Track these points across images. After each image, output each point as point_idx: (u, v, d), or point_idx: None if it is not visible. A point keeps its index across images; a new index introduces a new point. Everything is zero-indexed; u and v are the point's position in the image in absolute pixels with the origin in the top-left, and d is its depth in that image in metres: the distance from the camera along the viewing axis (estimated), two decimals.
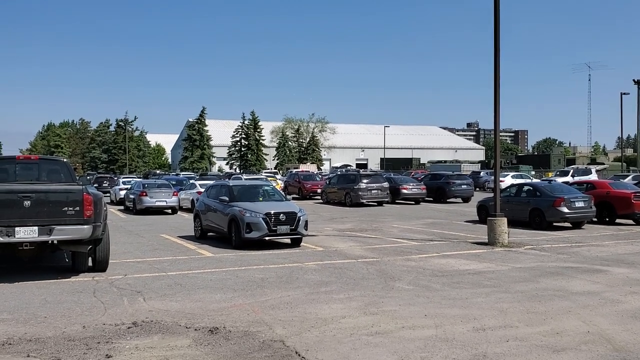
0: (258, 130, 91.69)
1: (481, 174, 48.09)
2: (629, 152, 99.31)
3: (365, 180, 30.46)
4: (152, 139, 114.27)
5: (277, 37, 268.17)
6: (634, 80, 55.08)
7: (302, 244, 15.10)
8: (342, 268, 11.62)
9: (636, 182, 26.54)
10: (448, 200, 33.07)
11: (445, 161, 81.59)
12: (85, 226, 9.98)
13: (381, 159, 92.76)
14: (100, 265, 11.10)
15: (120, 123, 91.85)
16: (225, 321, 7.54)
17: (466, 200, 32.69)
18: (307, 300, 8.72)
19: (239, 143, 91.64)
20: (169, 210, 26.92)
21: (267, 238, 14.30)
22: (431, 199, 33.32)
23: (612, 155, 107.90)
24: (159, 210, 26.62)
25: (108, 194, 37.50)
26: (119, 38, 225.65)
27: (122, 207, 29.96)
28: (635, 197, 19.84)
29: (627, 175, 39.38)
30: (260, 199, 15.78)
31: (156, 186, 27.49)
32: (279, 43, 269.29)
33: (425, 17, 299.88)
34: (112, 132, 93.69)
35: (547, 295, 9.11)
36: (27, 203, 9.68)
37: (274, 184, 33.50)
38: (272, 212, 14.35)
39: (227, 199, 15.29)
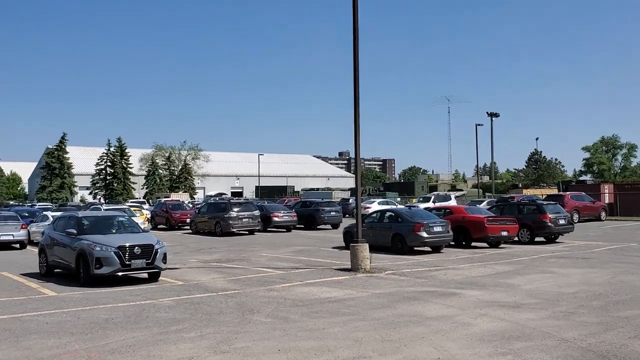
0: (125, 157, 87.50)
1: (350, 200, 49.25)
2: (486, 179, 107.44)
3: (235, 209, 29.87)
4: (7, 167, 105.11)
5: (146, 62, 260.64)
6: (487, 112, 59.82)
7: (160, 278, 14.19)
8: (200, 303, 10.96)
9: (490, 207, 28.39)
10: (318, 227, 33.35)
11: (317, 189, 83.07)
12: None
13: (256, 187, 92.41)
14: None
15: None
16: None
17: (335, 226, 33.15)
18: (154, 342, 8.00)
19: (103, 171, 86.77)
20: (17, 245, 24.44)
21: (120, 273, 13.23)
22: (302, 226, 33.42)
23: (471, 182, 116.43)
24: (5, 245, 24.06)
25: None
26: None
27: None
28: (488, 221, 21.10)
29: (483, 201, 42.33)
30: (114, 231, 14.65)
31: (2, 218, 24.88)
32: (148, 68, 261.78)
33: (296, 45, 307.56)
34: None
35: (403, 321, 9.13)
36: None
37: (139, 214, 31.92)
38: (127, 245, 13.35)
39: (75, 231, 14.01)
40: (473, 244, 21.55)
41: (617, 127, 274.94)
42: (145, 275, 14.21)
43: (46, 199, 76.96)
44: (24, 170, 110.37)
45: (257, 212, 30.35)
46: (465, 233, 21.38)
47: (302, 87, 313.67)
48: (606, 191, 42.68)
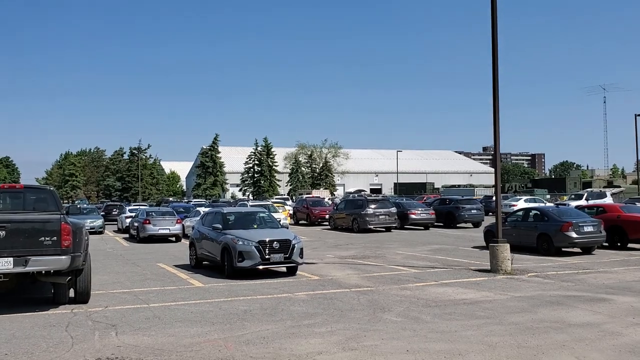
0: (271, 156, 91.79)
1: (493, 198, 47.22)
2: None
3: (372, 206, 30.02)
4: (167, 166, 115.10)
5: (289, 63, 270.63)
6: None
7: (298, 272, 14.66)
8: (332, 298, 11.15)
9: None
10: (458, 225, 32.46)
11: (459, 185, 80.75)
12: (63, 257, 9.67)
13: (395, 183, 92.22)
14: (81, 297, 10.77)
15: (134, 151, 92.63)
16: (192, 358, 7.13)
17: (476, 225, 32.05)
18: (286, 335, 8.27)
19: (251, 169, 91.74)
20: (173, 238, 26.66)
21: (260, 267, 13.89)
22: (441, 224, 32.75)
23: (631, 178, 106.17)
24: (163, 238, 26.39)
25: (115, 222, 37.53)
26: (132, 67, 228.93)
27: (127, 236, 29.79)
28: None
29: None
30: (255, 226, 15.41)
31: (160, 214, 27.31)
32: (291, 69, 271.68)
33: (437, 42, 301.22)
34: (126, 160, 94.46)
35: (543, 327, 8.56)
36: (2, 233, 9.42)
37: (281, 210, 33.29)
38: (266, 239, 13.96)
39: (220, 226, 14.95)
40: (630, 245, 19.65)
41: None
42: (284, 270, 14.77)
43: (201, 195, 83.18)
44: (182, 169, 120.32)
45: (393, 209, 30.24)
46: (620, 233, 19.57)
47: (445, 81, 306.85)
48: None
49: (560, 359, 6.97)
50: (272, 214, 23.38)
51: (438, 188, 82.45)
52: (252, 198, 75.17)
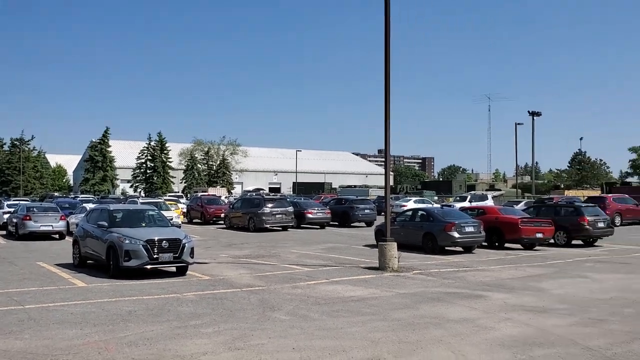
0: (165, 152, 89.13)
1: None
2: (528, 179, 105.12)
3: (269, 205, 29.98)
4: (53, 159, 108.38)
5: (187, 58, 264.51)
6: (528, 111, 58.45)
7: (188, 272, 14.34)
8: (222, 298, 11.02)
9: (526, 208, 27.73)
10: (352, 224, 33.24)
11: (355, 186, 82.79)
12: None
13: (293, 183, 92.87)
14: None
15: (15, 142, 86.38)
16: None
17: (369, 224, 32.95)
18: (171, 336, 8.07)
19: (144, 165, 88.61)
20: (56, 236, 25.15)
21: (148, 267, 13.44)
22: (337, 223, 33.37)
23: (512, 182, 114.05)
24: (45, 236, 24.80)
25: None
26: (16, 51, 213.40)
27: (4, 233, 27.70)
28: (522, 222, 20.60)
29: (520, 202, 41.42)
30: (143, 224, 14.88)
31: (42, 210, 25.67)
32: (189, 64, 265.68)
33: (338, 45, 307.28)
34: (6, 151, 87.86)
35: (423, 323, 8.97)
36: None
37: (174, 208, 32.43)
38: (155, 238, 13.52)
39: (106, 224, 14.30)
40: (506, 245, 21.09)
41: None
42: (174, 269, 14.40)
43: (89, 191, 79.12)
44: (70, 162, 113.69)
45: (290, 209, 30.42)
46: (498, 234, 20.94)
47: (342, 84, 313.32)
48: None
49: (437, 353, 7.34)
50: (163, 212, 22.75)
51: (335, 188, 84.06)
52: (143, 195, 72.52)
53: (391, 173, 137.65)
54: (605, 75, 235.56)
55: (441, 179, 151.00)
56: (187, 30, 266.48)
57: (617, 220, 32.42)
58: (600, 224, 22.29)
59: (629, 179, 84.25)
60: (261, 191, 68.76)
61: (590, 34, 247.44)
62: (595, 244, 22.57)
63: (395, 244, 15.19)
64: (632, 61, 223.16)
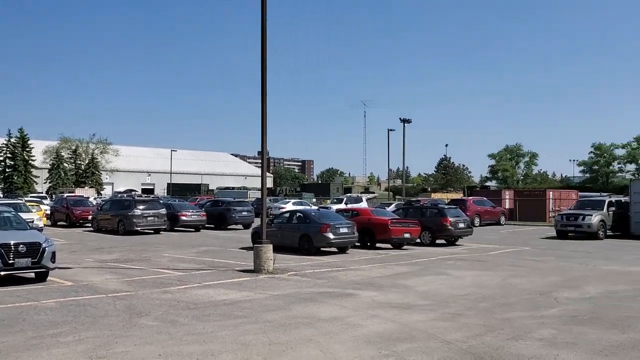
0: (27, 149, 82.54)
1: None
2: (400, 182, 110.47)
3: (140, 207, 28.81)
4: None
5: (52, 47, 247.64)
6: (400, 118, 61.50)
7: (49, 278, 13.37)
8: (85, 305, 10.39)
9: (396, 210, 29.10)
10: (229, 227, 32.88)
11: (233, 188, 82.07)
12: None
13: (168, 184, 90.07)
14: None
15: None
16: None
17: (247, 226, 32.79)
18: (25, 347, 7.46)
19: (2, 163, 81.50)
20: None
21: (2, 273, 12.34)
22: (212, 225, 32.83)
23: (385, 185, 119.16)
24: None
25: None
26: None
27: None
28: (392, 223, 21.59)
29: (392, 204, 43.38)
30: None
31: None
32: (55, 55, 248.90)
33: (215, 39, 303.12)
34: None
35: (294, 323, 9.07)
36: None
37: (36, 210, 30.12)
38: (10, 242, 12.46)
39: None
40: (377, 245, 21.98)
41: (521, 137, 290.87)
42: (32, 275, 13.36)
43: None
44: None
45: (163, 211, 29.47)
46: (370, 234, 21.77)
47: (222, 85, 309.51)
48: (507, 197, 44.90)
49: (307, 352, 7.45)
50: (23, 213, 21.06)
51: (212, 190, 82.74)
52: (1, 196, 66.68)
53: (271, 175, 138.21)
54: (468, 85, 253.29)
55: (320, 182, 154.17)
56: (50, 21, 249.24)
57: (477, 221, 35.00)
58: (461, 225, 23.93)
59: (488, 183, 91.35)
60: (133, 192, 65.94)
61: (457, 43, 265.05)
62: (457, 243, 24.17)
63: (270, 246, 15.23)
64: (490, 72, 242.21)
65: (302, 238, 19.90)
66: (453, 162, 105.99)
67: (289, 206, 41.42)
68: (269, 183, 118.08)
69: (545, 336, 8.35)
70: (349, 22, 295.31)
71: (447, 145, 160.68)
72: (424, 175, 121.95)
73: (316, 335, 8.32)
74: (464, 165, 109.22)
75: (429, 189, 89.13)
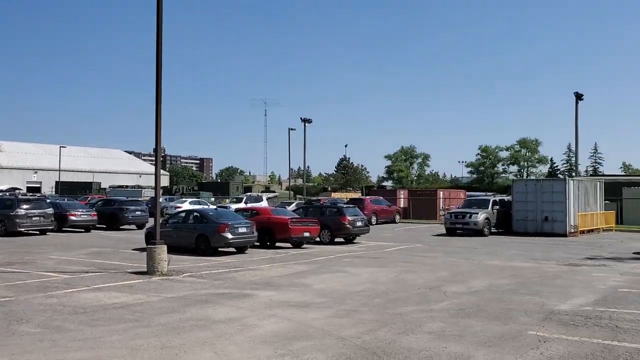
0: None
1: (160, 199, 47.57)
2: (301, 182, 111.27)
3: (24, 206, 26.93)
4: None
5: None
6: (301, 118, 61.88)
7: None
8: None
9: (297, 209, 29.24)
10: (122, 227, 31.56)
11: (127, 186, 78.80)
12: None
13: (56, 182, 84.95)
14: None
15: None
16: None
17: (140, 227, 31.62)
18: None
19: None
20: None
21: None
22: (104, 226, 31.36)
23: (286, 184, 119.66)
24: None
25: None
26: None
27: None
28: (291, 222, 21.68)
29: (292, 203, 43.60)
30: None
31: None
32: None
33: (108, 34, 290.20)
34: None
35: (189, 326, 8.84)
36: None
37: None
38: None
39: None
40: (277, 244, 21.99)
41: (415, 138, 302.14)
42: None
43: None
44: None
45: (50, 210, 27.74)
46: (270, 234, 21.72)
47: (119, 81, 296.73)
48: (402, 196, 46.60)
49: (201, 355, 7.28)
50: None
51: (105, 188, 79.02)
52: None
53: (167, 173, 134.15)
54: (365, 86, 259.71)
55: (219, 181, 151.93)
56: None
57: (373, 219, 35.99)
58: (359, 223, 24.52)
59: (384, 183, 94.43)
60: (17, 191, 61.52)
61: (355, 42, 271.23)
62: (355, 241, 24.72)
63: (165, 247, 14.77)
64: (385, 73, 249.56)
65: (199, 238, 19.49)
66: (352, 162, 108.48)
67: (186, 205, 40.47)
68: (165, 181, 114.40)
69: (435, 329, 8.71)
70: (251, 22, 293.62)
71: (347, 146, 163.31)
72: (325, 174, 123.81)
73: (211, 337, 8.16)
74: (362, 166, 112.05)
75: (329, 189, 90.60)
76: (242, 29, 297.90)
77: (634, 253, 20.53)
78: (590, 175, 78.25)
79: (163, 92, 15.50)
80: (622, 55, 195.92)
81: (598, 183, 33.43)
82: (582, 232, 29.39)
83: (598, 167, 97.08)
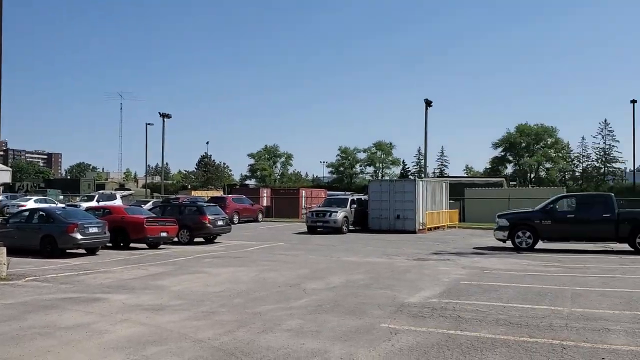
0: None
1: (0, 197, 43.50)
2: (159, 179, 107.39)
3: None
4: None
5: None
6: (159, 113, 59.69)
7: None
8: None
9: (153, 207, 28.16)
10: None
11: None
12: None
13: None
14: None
15: None
16: None
17: None
18: None
19: None
20: None
21: None
22: None
23: (142, 182, 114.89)
24: None
25: None
26: None
27: None
28: (147, 222, 20.82)
29: (149, 201, 41.97)
30: None
31: None
32: None
33: None
34: None
35: (30, 334, 8.12)
36: None
37: None
38: None
39: None
40: (132, 245, 21.03)
41: (278, 138, 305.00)
42: None
43: None
44: None
45: None
46: (124, 234, 20.72)
47: None
48: (265, 195, 46.85)
49: None
50: None
51: None
52: None
53: (8, 169, 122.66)
54: (226, 83, 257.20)
55: (69, 177, 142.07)
56: None
57: (235, 218, 35.79)
58: (220, 222, 24.21)
59: (247, 182, 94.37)
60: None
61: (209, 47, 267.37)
62: (216, 240, 24.37)
63: (4, 249, 13.54)
64: (245, 70, 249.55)
65: (45, 239, 18.07)
66: (214, 160, 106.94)
67: (30, 204, 37.43)
68: (7, 178, 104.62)
69: (293, 327, 8.82)
70: (110, 14, 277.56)
71: (208, 143, 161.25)
72: (185, 172, 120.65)
73: (56, 346, 7.56)
74: (224, 164, 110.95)
75: (190, 187, 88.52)
76: (100, 22, 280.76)
77: (474, 248, 22.43)
78: (437, 176, 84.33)
79: (3, 79, 14.11)
80: (470, 65, 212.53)
81: (444, 184, 36.12)
82: (430, 229, 31.56)
83: (444, 169, 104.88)
